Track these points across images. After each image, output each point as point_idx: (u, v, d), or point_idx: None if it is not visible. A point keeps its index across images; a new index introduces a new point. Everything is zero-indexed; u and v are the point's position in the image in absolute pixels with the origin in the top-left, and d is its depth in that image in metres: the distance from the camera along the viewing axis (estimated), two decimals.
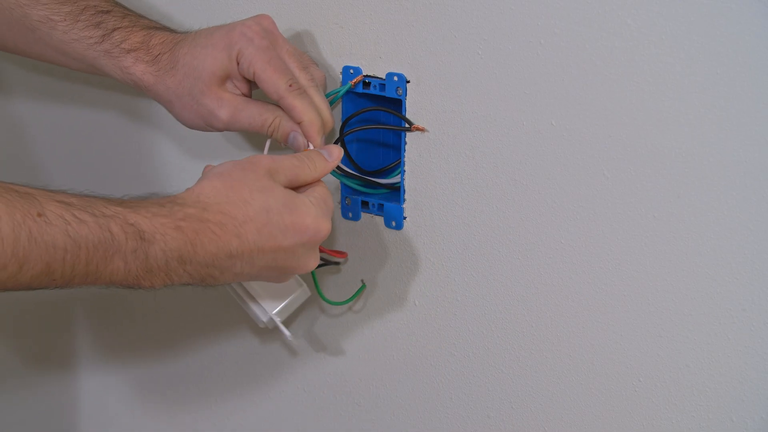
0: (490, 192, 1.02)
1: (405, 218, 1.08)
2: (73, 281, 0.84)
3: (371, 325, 1.14)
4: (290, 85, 0.97)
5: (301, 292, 1.05)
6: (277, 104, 0.99)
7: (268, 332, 1.25)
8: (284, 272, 0.93)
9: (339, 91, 1.05)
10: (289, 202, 0.91)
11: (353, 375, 1.18)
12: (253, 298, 1.03)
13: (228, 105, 1.00)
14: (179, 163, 1.25)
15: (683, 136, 0.90)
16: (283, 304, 1.04)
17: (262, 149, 1.02)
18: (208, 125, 1.02)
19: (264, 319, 1.03)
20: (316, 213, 0.92)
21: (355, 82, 1.05)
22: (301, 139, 0.99)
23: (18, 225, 0.80)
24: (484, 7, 0.96)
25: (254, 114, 1.00)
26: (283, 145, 1.01)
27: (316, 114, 0.99)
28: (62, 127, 1.34)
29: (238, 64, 0.98)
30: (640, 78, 0.90)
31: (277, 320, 1.03)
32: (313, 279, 1.06)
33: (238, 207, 0.89)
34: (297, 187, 0.95)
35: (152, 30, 1.04)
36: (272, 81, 0.97)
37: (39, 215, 0.81)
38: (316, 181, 0.96)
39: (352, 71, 1.06)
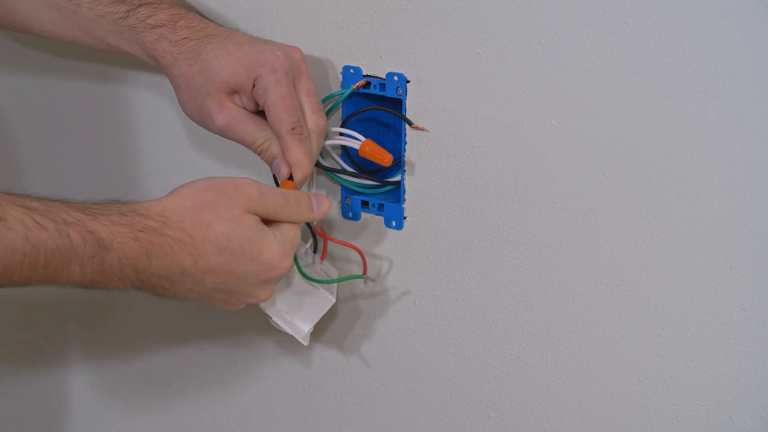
0: (490, 192, 1.02)
1: (405, 218, 1.08)
2: (31, 281, 0.86)
3: (371, 325, 1.14)
4: (293, 128, 0.99)
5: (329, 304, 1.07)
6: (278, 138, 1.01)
7: (267, 333, 1.24)
8: (232, 298, 0.94)
9: (342, 94, 1.05)
10: (254, 235, 0.92)
11: (353, 375, 1.18)
12: (290, 322, 1.05)
13: (227, 114, 1.01)
14: (179, 158, 1.25)
15: (683, 136, 0.90)
16: (317, 321, 1.06)
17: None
18: (204, 125, 1.03)
19: (305, 342, 1.05)
20: (277, 249, 0.93)
21: (357, 86, 1.05)
22: (284, 169, 1.00)
23: None
24: (484, 7, 0.96)
25: (248, 130, 1.01)
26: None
27: (309, 161, 1.00)
28: (53, 123, 1.34)
29: (254, 86, 1.00)
30: (641, 78, 0.90)
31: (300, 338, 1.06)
32: (294, 259, 1.06)
33: (199, 229, 0.90)
34: (271, 221, 0.95)
35: (181, 10, 1.04)
36: (278, 118, 0.99)
37: (0, 220, 0.83)
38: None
39: (352, 71, 1.06)
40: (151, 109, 1.24)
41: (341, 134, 1.05)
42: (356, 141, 1.04)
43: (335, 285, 1.08)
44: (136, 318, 1.37)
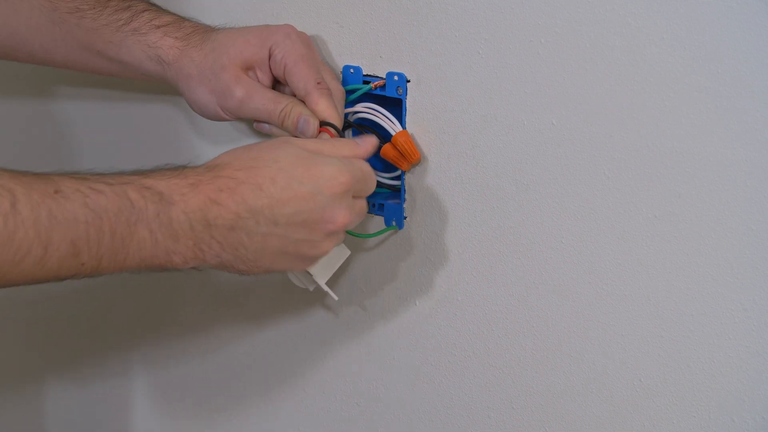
0: (490, 192, 1.02)
1: (405, 218, 1.08)
2: (102, 263, 0.82)
3: (371, 325, 1.14)
4: (319, 83, 0.99)
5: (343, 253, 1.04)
6: (303, 99, 0.99)
7: (267, 333, 1.24)
8: (314, 230, 0.90)
9: (360, 89, 1.05)
10: (303, 153, 0.90)
11: (353, 375, 1.18)
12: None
13: (245, 84, 1.00)
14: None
15: (684, 135, 0.90)
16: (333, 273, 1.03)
17: None
18: (221, 105, 1.02)
19: (311, 288, 1.03)
20: (333, 162, 0.90)
21: (376, 86, 1.05)
22: (312, 122, 0.98)
23: (36, 205, 0.79)
24: (485, 7, 0.96)
25: (269, 97, 1.00)
26: (291, 132, 1.00)
27: (339, 115, 1.00)
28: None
29: (270, 57, 1.00)
30: (641, 77, 0.90)
31: (326, 288, 1.02)
32: None
33: (247, 163, 0.88)
34: None
35: (182, 17, 1.06)
36: (302, 75, 0.99)
37: (56, 192, 0.80)
38: None
39: (352, 71, 1.06)
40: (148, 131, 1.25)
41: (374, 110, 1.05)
42: (393, 126, 1.04)
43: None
44: (140, 326, 1.38)
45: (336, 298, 1.03)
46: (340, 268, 1.04)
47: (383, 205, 1.09)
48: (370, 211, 1.10)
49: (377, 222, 1.10)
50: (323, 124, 0.99)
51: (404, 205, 1.07)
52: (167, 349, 1.35)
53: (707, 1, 0.86)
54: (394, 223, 1.08)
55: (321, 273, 1.01)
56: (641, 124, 0.91)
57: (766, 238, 0.88)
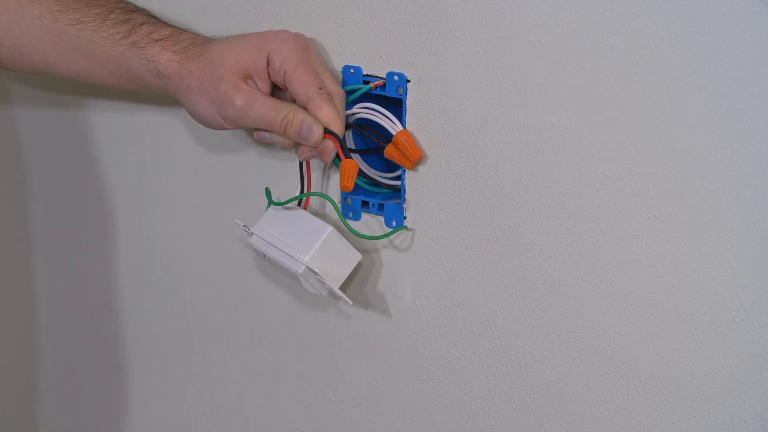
0: (490, 192, 1.02)
1: (405, 218, 1.08)
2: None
3: (371, 325, 1.14)
4: (320, 88, 0.99)
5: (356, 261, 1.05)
6: (304, 106, 1.00)
7: (267, 332, 1.24)
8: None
9: (360, 89, 1.05)
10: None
11: (353, 375, 1.18)
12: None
13: (244, 93, 1.01)
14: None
15: (683, 135, 0.90)
16: (346, 276, 1.05)
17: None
18: (221, 115, 1.02)
19: (324, 293, 1.04)
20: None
21: (376, 86, 1.05)
22: (316, 129, 0.99)
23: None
24: (485, 7, 0.96)
25: (269, 105, 1.00)
26: (293, 140, 1.01)
27: (341, 120, 1.01)
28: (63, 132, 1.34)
29: (268, 63, 1.01)
30: (641, 77, 0.90)
31: (340, 293, 1.04)
32: (335, 208, 1.05)
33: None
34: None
35: (180, 29, 1.07)
36: (303, 81, 0.99)
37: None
38: None
39: (352, 71, 1.06)
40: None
41: (376, 110, 1.05)
42: (394, 126, 1.04)
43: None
44: (139, 324, 1.37)
45: (351, 302, 1.04)
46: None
47: (383, 205, 1.09)
48: (369, 211, 1.10)
49: (380, 223, 1.10)
50: (325, 131, 1.00)
51: (404, 205, 1.07)
52: (165, 348, 1.35)
53: (707, 1, 0.86)
54: (394, 222, 1.08)
55: (334, 278, 1.02)
56: (641, 124, 0.91)
57: (766, 238, 0.88)
